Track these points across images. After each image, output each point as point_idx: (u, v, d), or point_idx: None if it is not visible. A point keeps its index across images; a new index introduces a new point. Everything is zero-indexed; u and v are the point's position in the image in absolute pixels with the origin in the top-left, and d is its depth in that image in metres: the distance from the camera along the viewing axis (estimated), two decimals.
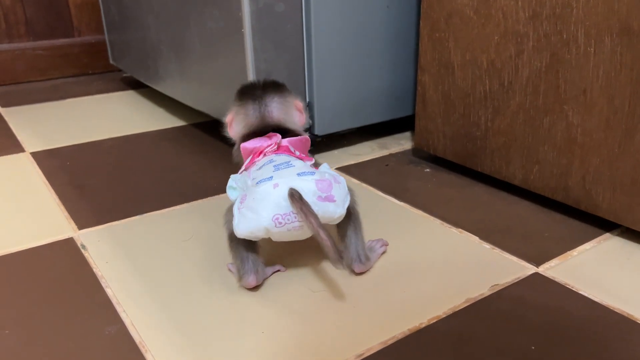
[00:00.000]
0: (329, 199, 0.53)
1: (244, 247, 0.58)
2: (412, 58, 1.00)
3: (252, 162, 0.60)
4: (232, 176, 0.60)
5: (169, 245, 0.68)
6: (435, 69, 0.85)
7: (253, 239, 0.56)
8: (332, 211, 0.54)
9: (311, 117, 0.92)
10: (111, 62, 1.48)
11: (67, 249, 0.68)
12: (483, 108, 0.79)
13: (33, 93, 1.44)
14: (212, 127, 1.13)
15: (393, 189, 0.83)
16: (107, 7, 1.37)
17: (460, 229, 0.71)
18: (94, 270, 0.63)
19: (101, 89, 1.47)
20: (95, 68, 1.64)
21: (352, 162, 0.94)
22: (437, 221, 0.73)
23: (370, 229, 0.71)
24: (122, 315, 0.55)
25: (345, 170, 0.90)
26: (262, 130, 0.63)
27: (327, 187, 0.53)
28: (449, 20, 0.80)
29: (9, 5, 1.49)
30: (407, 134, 1.07)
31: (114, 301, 0.57)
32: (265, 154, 0.60)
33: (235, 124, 0.66)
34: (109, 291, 0.59)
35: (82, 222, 0.74)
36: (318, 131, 0.93)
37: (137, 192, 0.83)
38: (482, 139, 0.80)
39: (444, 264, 0.63)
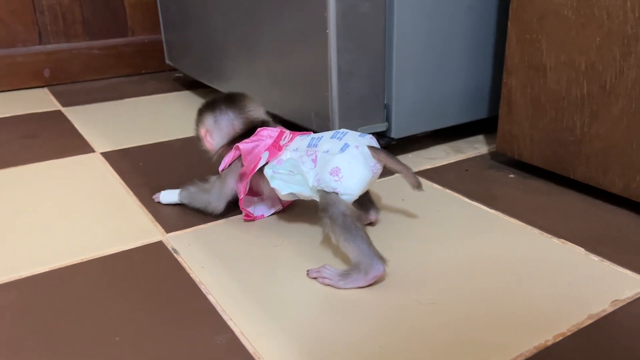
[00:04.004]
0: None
1: (363, 230, 0.61)
2: (490, 59, 0.97)
3: (280, 149, 0.69)
4: (271, 164, 0.68)
5: (260, 250, 0.66)
6: (524, 71, 0.82)
7: (358, 195, 0.63)
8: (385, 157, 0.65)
9: (388, 120, 0.90)
10: (167, 62, 1.48)
11: (159, 253, 0.66)
12: (579, 112, 0.76)
13: (91, 92, 1.44)
14: None
15: (480, 196, 0.80)
16: (166, 6, 1.37)
17: (562, 240, 0.68)
18: (191, 275, 0.62)
19: (156, 89, 1.46)
20: (148, 68, 1.64)
21: (429, 166, 0.91)
22: (536, 230, 0.70)
23: (465, 237, 0.68)
24: (230, 324, 0.53)
25: (424, 174, 0.88)
26: (248, 132, 0.72)
27: (375, 142, 0.66)
28: (542, 21, 0.77)
29: (67, 5, 1.50)
30: (480, 137, 1.04)
31: (218, 309, 0.56)
32: (282, 150, 0.69)
33: (215, 136, 0.75)
34: (211, 298, 0.58)
35: (169, 225, 0.73)
36: (395, 134, 0.90)
37: None
38: (576, 144, 0.77)
39: (553, 276, 0.60)
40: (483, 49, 0.95)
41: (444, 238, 0.68)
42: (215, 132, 0.75)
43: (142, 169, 0.91)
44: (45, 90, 1.47)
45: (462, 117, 0.98)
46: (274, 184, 0.67)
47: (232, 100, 0.76)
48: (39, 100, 1.37)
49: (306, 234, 0.70)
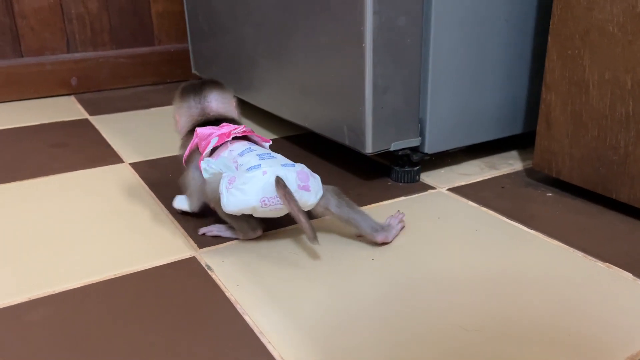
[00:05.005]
0: (306, 188, 0.65)
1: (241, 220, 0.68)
2: (527, 73, 0.95)
3: (228, 136, 0.71)
4: (206, 159, 0.69)
5: (296, 267, 0.65)
6: (565, 87, 0.80)
7: (237, 214, 0.66)
8: (307, 198, 0.65)
9: (422, 134, 0.88)
10: (194, 71, 1.47)
11: (192, 269, 0.65)
12: (624, 131, 0.73)
13: (117, 101, 1.44)
14: (304, 140, 1.10)
15: (517, 215, 0.78)
16: (194, 16, 1.37)
17: (607, 263, 0.65)
18: (226, 294, 0.60)
19: None
20: (173, 76, 1.64)
21: (463, 182, 0.89)
22: (579, 253, 0.68)
23: (505, 258, 0.66)
24: (269, 347, 0.52)
25: (458, 191, 0.86)
26: (204, 122, 0.74)
27: (305, 177, 0.65)
28: (585, 37, 0.75)
29: (95, 13, 1.51)
30: (514, 152, 1.02)
31: (255, 330, 0.54)
32: (230, 137, 0.71)
33: (181, 120, 0.77)
34: (247, 319, 0.56)
35: (201, 241, 0.72)
36: (429, 149, 0.89)
37: None
38: (620, 164, 0.75)
39: (601, 303, 0.58)
40: (519, 63, 0.93)
41: (483, 259, 0.66)
42: (182, 117, 0.78)
43: (172, 180, 0.91)
44: (72, 99, 1.48)
45: (497, 132, 0.95)
46: (206, 175, 0.69)
47: (195, 87, 0.77)
48: (67, 109, 1.37)
49: (342, 249, 0.69)
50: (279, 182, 0.62)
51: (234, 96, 0.81)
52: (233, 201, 0.63)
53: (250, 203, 0.63)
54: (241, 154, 0.67)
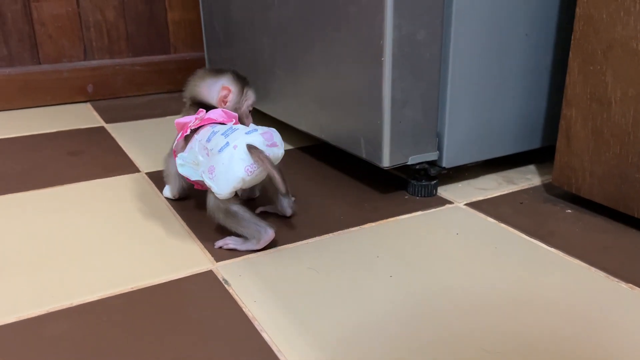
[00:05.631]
0: (274, 145, 0.70)
1: (243, 211, 0.70)
2: (546, 88, 0.94)
3: (183, 136, 0.75)
4: (179, 155, 0.75)
5: (314, 281, 0.64)
6: (586, 103, 0.79)
7: (232, 193, 0.69)
8: (277, 152, 0.70)
9: (440, 148, 0.87)
10: None
11: (209, 283, 0.65)
12: None
13: (133, 108, 1.45)
14: (319, 151, 1.10)
15: (537, 232, 0.77)
16: (210, 25, 1.37)
17: (630, 284, 0.64)
18: (244, 310, 0.60)
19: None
20: None
21: (481, 197, 0.89)
22: (601, 273, 0.67)
23: (526, 278, 0.65)
24: None
25: (476, 206, 0.85)
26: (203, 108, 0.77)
27: (270, 136, 0.70)
28: (608, 53, 0.74)
29: (112, 21, 1.52)
30: (532, 167, 1.01)
31: (274, 348, 0.54)
32: (188, 131, 0.74)
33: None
34: (265, 336, 0.56)
35: (218, 253, 0.71)
36: (446, 163, 0.88)
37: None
38: None
39: (627, 326, 0.57)
40: (539, 77, 0.92)
41: (503, 277, 0.66)
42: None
43: (188, 192, 0.91)
44: (88, 105, 1.49)
45: (516, 146, 0.95)
46: (181, 170, 0.74)
47: (192, 74, 0.82)
48: (83, 116, 1.38)
49: (360, 265, 0.68)
50: (251, 148, 0.66)
51: (243, 88, 0.81)
52: (223, 183, 0.67)
53: (238, 176, 0.66)
54: (208, 140, 0.71)
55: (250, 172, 0.67)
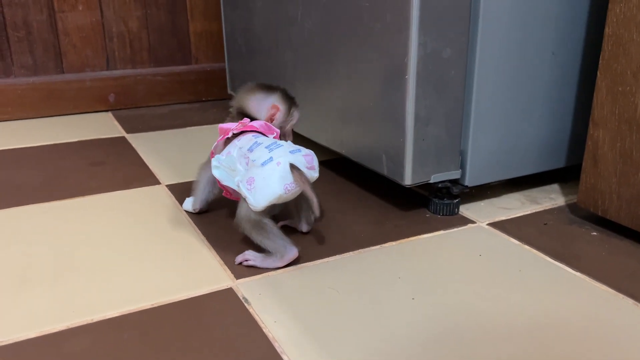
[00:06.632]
0: (312, 168, 0.72)
1: (272, 225, 0.71)
2: (571, 108, 0.92)
3: (224, 138, 0.77)
4: (216, 156, 0.76)
5: (335, 301, 0.64)
6: (614, 124, 0.77)
7: (266, 207, 0.69)
8: (313, 175, 0.72)
9: (463, 167, 0.86)
10: (229, 91, 1.48)
11: (229, 301, 0.65)
12: None
13: (154, 119, 1.46)
14: (339, 166, 1.09)
15: (562, 255, 0.75)
16: (232, 37, 1.38)
17: None
18: (264, 330, 0.59)
19: (218, 117, 1.47)
20: (209, 95, 1.66)
21: (504, 217, 0.87)
22: (629, 300, 0.65)
23: (552, 303, 0.64)
24: None
25: (499, 226, 0.84)
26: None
27: (310, 159, 0.72)
28: (638, 74, 0.73)
29: (135, 32, 1.53)
30: (555, 186, 0.99)
31: None
32: (229, 134, 0.76)
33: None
34: (286, 358, 0.55)
35: (238, 271, 0.71)
36: (469, 182, 0.87)
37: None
38: None
39: None
40: (565, 96, 0.91)
41: (528, 302, 0.64)
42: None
43: (209, 206, 0.90)
44: (109, 115, 1.50)
45: (540, 166, 0.93)
46: (215, 172, 0.75)
47: (242, 86, 0.84)
48: (104, 125, 1.39)
49: (381, 285, 0.67)
50: (294, 168, 0.68)
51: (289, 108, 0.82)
52: (260, 196, 0.68)
53: (276, 192, 0.68)
54: (250, 150, 0.71)
55: (289, 190, 0.68)
